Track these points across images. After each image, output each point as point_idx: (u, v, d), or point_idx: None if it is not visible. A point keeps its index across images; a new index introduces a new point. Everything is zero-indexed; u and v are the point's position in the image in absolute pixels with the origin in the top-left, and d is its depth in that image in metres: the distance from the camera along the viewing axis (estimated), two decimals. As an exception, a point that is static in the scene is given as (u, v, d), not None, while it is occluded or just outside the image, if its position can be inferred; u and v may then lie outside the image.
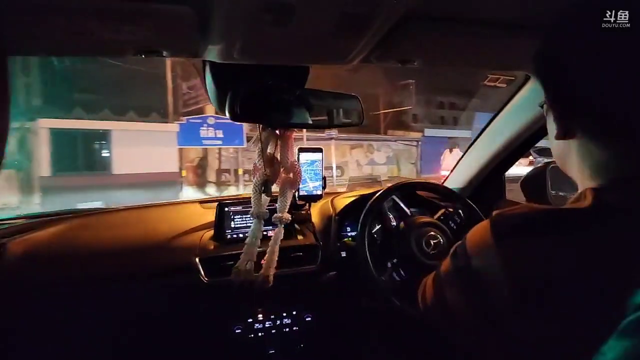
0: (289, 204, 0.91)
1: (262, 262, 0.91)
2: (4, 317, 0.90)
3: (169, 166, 9.95)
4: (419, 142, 14.94)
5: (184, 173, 10.17)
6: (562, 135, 0.48)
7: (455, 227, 1.07)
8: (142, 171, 9.38)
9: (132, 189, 8.54)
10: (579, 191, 0.47)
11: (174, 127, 9.61)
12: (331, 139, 10.20)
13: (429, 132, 15.87)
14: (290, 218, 0.92)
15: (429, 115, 18.45)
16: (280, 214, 0.90)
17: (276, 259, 0.91)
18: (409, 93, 14.86)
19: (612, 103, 0.42)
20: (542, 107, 0.54)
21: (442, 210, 1.11)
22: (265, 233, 1.01)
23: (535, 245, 0.41)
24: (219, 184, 10.41)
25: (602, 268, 0.38)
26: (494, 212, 0.47)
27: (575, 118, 0.46)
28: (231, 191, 9.91)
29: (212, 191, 9.96)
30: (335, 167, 11.20)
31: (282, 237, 0.92)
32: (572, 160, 0.49)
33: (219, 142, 9.64)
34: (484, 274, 0.45)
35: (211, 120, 9.43)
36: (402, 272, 1.00)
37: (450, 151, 8.42)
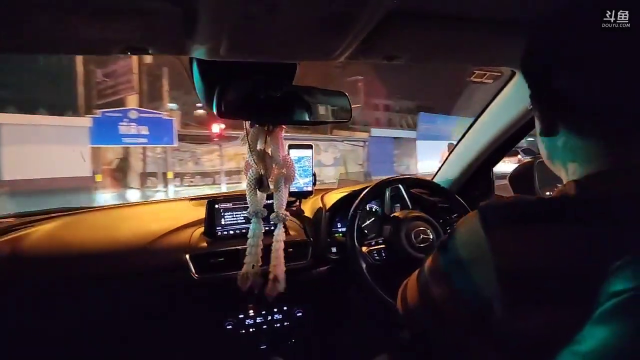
0: (285, 199, 0.98)
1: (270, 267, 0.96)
2: None
3: (79, 169, 9.11)
4: (366, 143, 15.25)
5: (98, 178, 9.36)
6: (545, 132, 0.53)
7: (446, 224, 1.23)
8: (43, 176, 8.47)
9: (29, 198, 7.62)
10: (564, 185, 0.52)
11: (85, 121, 8.81)
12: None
13: (376, 132, 16.28)
14: (288, 214, 0.99)
15: (364, 116, 18.54)
16: (278, 211, 0.96)
17: (282, 258, 0.97)
18: (356, 90, 15.25)
19: (597, 100, 0.47)
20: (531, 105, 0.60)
21: (434, 207, 1.28)
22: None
23: (524, 234, 0.45)
24: (144, 190, 9.77)
25: (584, 257, 0.42)
26: (481, 203, 0.51)
27: (559, 115, 0.51)
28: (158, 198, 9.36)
29: (135, 199, 9.29)
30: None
31: (284, 237, 0.98)
32: (557, 156, 0.54)
33: (144, 140, 9.06)
34: (474, 264, 0.48)
35: (133, 114, 8.82)
36: (383, 254, 1.14)
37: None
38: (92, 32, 0.65)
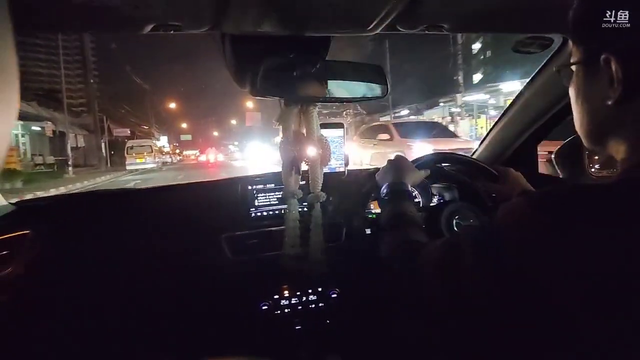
0: (321, 180, 0.97)
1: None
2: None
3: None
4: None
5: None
6: (622, 98, 0.44)
7: (489, 205, 1.14)
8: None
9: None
10: (633, 162, 0.46)
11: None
12: None
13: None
14: (325, 196, 0.98)
15: None
16: (315, 192, 0.97)
17: (321, 239, 1.00)
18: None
19: None
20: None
21: (474, 188, 1.20)
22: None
23: (593, 232, 0.38)
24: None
25: None
26: (530, 198, 0.43)
27: None
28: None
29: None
30: None
31: (321, 216, 0.99)
32: (623, 129, 0.47)
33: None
34: (538, 271, 0.40)
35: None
36: None
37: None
38: (124, 10, 0.65)
